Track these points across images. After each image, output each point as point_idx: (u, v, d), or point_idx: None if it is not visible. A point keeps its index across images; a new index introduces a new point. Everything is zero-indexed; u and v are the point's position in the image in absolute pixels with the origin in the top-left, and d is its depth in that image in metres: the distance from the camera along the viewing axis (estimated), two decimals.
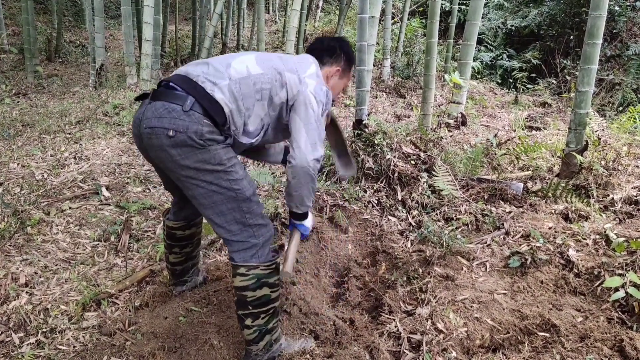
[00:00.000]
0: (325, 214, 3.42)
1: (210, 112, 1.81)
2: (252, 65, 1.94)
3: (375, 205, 3.60)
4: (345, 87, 2.39)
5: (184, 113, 1.78)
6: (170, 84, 1.87)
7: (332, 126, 2.60)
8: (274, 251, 2.10)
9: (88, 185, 4.15)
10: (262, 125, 2.00)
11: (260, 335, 2.06)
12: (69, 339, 2.34)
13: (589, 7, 3.87)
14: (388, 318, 2.37)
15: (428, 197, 3.62)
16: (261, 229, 2.00)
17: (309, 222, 2.24)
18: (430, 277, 2.62)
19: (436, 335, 2.16)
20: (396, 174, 3.73)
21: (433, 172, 3.76)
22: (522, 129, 6.39)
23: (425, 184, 3.69)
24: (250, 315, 2.03)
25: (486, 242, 3.00)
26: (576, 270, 2.54)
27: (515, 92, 9.14)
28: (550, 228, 3.06)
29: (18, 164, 4.60)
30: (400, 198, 3.66)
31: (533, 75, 9.90)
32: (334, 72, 2.25)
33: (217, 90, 1.84)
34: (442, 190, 3.58)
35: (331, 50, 2.24)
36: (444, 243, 2.90)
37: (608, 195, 3.62)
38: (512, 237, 3.01)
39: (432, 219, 3.41)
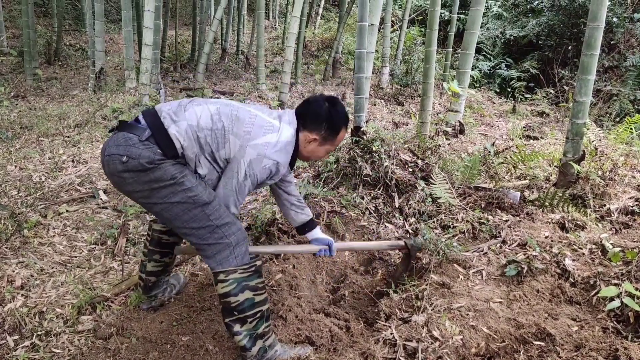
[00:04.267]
0: (323, 220, 3.42)
1: (161, 144, 1.92)
2: (204, 116, 1.99)
3: (372, 212, 3.61)
4: (329, 152, 2.33)
5: (140, 142, 1.91)
6: (139, 117, 2.01)
7: (406, 259, 2.80)
8: (254, 255, 2.12)
9: (85, 188, 4.14)
10: (213, 175, 2.08)
11: (251, 340, 2.06)
12: (64, 343, 2.33)
13: (587, 18, 3.90)
14: (384, 325, 2.36)
15: (425, 204, 3.63)
16: (231, 227, 2.04)
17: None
18: (427, 284, 2.62)
19: (432, 343, 2.15)
20: (394, 181, 3.74)
21: (430, 180, 3.77)
22: (520, 138, 6.42)
23: (422, 191, 3.70)
24: (237, 321, 2.04)
25: (483, 251, 3.00)
26: (572, 280, 2.55)
27: (513, 101, 9.19)
28: (546, 237, 3.07)
29: (16, 167, 4.60)
30: (397, 205, 3.66)
31: (531, 84, 9.95)
32: (311, 140, 2.17)
33: (174, 127, 1.95)
34: (439, 198, 3.59)
35: (314, 116, 2.15)
36: (441, 251, 2.90)
37: (604, 205, 3.63)
38: (508, 246, 3.02)
39: (429, 226, 3.41)
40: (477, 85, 10.68)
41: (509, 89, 10.11)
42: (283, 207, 2.53)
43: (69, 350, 2.29)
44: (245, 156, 2.00)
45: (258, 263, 2.10)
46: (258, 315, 2.06)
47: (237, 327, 2.04)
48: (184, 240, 2.53)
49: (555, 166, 4.54)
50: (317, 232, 2.55)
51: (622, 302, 2.22)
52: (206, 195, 1.99)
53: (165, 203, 1.96)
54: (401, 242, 2.76)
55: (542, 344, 2.11)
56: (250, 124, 2.03)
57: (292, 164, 2.25)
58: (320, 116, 2.14)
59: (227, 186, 2.04)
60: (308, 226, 2.54)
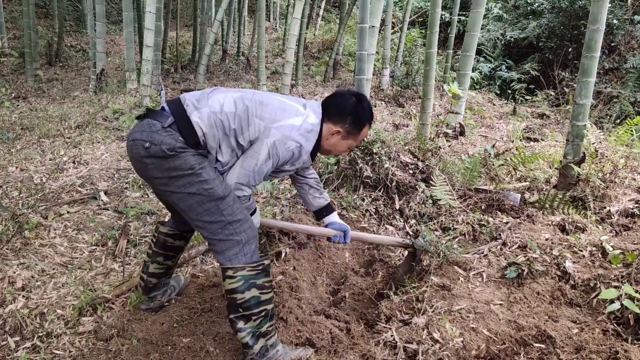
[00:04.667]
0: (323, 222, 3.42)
1: (183, 132, 1.96)
2: (227, 102, 2.02)
3: (372, 213, 3.61)
4: (351, 147, 2.34)
5: (163, 129, 1.95)
6: (165, 105, 2.05)
7: (410, 259, 2.79)
8: (263, 253, 2.13)
9: (86, 189, 4.15)
10: (233, 161, 2.09)
11: (254, 338, 2.06)
12: (64, 344, 2.33)
13: (587, 20, 3.91)
14: (384, 327, 2.37)
15: (426, 206, 3.63)
16: (242, 224, 2.05)
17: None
18: (427, 286, 2.63)
19: (432, 345, 2.16)
20: (394, 183, 3.75)
21: (431, 182, 3.77)
22: (520, 140, 6.42)
23: (423, 193, 3.70)
24: (242, 317, 2.05)
25: (483, 253, 3.00)
26: (572, 282, 2.55)
27: (513, 103, 9.18)
28: (547, 239, 3.07)
29: (17, 168, 4.61)
30: (397, 207, 3.67)
31: (531, 86, 9.95)
32: (334, 132, 2.18)
33: (196, 114, 1.98)
34: (439, 199, 3.59)
35: (339, 109, 2.16)
36: (441, 253, 2.90)
37: (605, 207, 3.63)
38: (509, 248, 3.02)
39: (429, 228, 3.42)
40: (478, 87, 10.68)
41: (510, 91, 10.10)
42: (301, 190, 2.55)
43: (69, 351, 2.29)
44: (270, 137, 2.01)
45: (266, 262, 2.11)
46: (263, 313, 2.07)
47: (240, 324, 2.05)
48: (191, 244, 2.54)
49: (555, 168, 4.54)
50: (334, 217, 2.56)
51: (622, 305, 2.22)
52: (222, 189, 2.00)
53: (182, 193, 1.98)
54: (408, 241, 2.76)
55: (543, 346, 2.12)
56: (275, 107, 2.06)
57: (313, 156, 2.24)
58: (345, 110, 2.16)
59: (244, 165, 2.04)
60: (326, 210, 2.55)
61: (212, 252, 2.16)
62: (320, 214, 2.57)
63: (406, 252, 2.88)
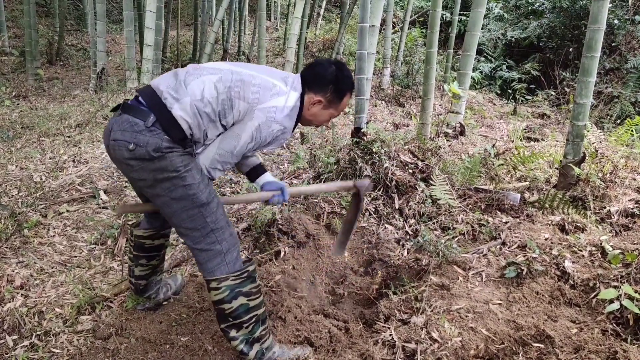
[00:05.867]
0: (322, 221, 3.42)
1: (167, 129, 1.88)
2: (207, 87, 1.92)
3: (372, 213, 3.61)
4: (332, 117, 2.26)
5: (146, 129, 1.86)
6: (139, 98, 1.94)
7: (355, 201, 2.59)
8: (246, 260, 2.10)
9: (86, 188, 4.15)
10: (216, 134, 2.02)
11: (248, 344, 2.06)
12: (63, 343, 2.33)
13: (588, 20, 3.90)
14: (383, 326, 2.37)
15: (425, 206, 3.62)
16: (224, 232, 2.01)
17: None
18: (426, 286, 2.63)
19: (431, 345, 2.16)
20: (394, 183, 3.74)
21: (431, 181, 3.76)
22: (520, 140, 6.41)
23: (422, 192, 3.70)
24: (233, 326, 2.04)
25: (482, 252, 3.00)
26: (572, 282, 2.54)
27: (514, 103, 9.18)
28: (546, 239, 3.07)
29: (16, 166, 4.60)
30: (397, 206, 3.66)
31: (532, 86, 9.94)
32: (315, 102, 2.12)
33: (177, 106, 1.89)
34: (439, 199, 3.58)
35: (319, 78, 2.10)
36: (440, 252, 2.90)
37: (605, 207, 3.62)
38: (508, 248, 3.02)
39: (428, 227, 3.41)
40: (478, 86, 10.68)
41: (510, 91, 10.10)
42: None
43: (68, 350, 2.29)
44: (254, 119, 1.94)
45: (250, 268, 2.08)
46: (253, 320, 2.06)
47: (233, 333, 2.04)
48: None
49: (555, 168, 4.54)
50: (268, 176, 2.37)
51: (621, 305, 2.22)
52: (205, 195, 1.95)
53: (167, 197, 1.93)
54: (350, 183, 2.57)
55: (542, 346, 2.11)
56: (257, 86, 1.97)
57: (293, 127, 2.17)
58: (325, 78, 2.09)
59: (223, 146, 1.98)
60: (257, 170, 2.36)
61: (196, 264, 2.12)
62: (253, 174, 2.36)
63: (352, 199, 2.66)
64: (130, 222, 3.54)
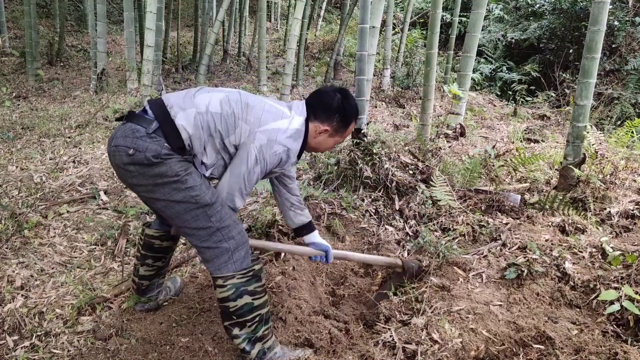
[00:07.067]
0: (323, 222, 3.42)
1: (168, 136, 1.90)
2: (213, 103, 1.97)
3: (372, 214, 3.61)
4: (338, 143, 2.31)
5: (147, 135, 1.89)
6: (146, 107, 1.99)
7: (398, 279, 2.76)
8: (255, 257, 2.11)
9: (86, 189, 4.15)
10: (219, 163, 2.05)
11: (250, 343, 2.06)
12: (63, 343, 2.33)
13: (588, 22, 3.90)
14: (383, 327, 2.37)
15: (425, 207, 3.63)
16: (231, 230, 2.02)
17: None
18: (426, 287, 2.63)
19: (431, 346, 2.15)
20: (394, 184, 3.74)
21: (431, 182, 3.77)
22: (521, 141, 6.41)
23: (423, 194, 3.70)
24: (236, 324, 2.04)
25: (483, 253, 3.00)
26: (572, 283, 2.54)
27: (514, 104, 9.18)
28: (547, 240, 3.07)
29: (17, 167, 4.61)
30: (397, 207, 3.67)
31: (532, 87, 9.94)
32: (322, 131, 2.15)
33: (181, 115, 1.92)
34: (439, 200, 3.59)
35: (326, 107, 2.13)
36: (441, 253, 2.90)
37: (605, 209, 3.62)
38: (508, 249, 3.01)
39: (429, 229, 3.41)
40: (478, 88, 10.68)
41: (510, 92, 10.10)
42: (282, 206, 2.50)
43: (68, 350, 2.29)
44: (255, 141, 1.97)
45: (257, 267, 2.08)
46: (257, 319, 2.06)
47: (236, 331, 2.04)
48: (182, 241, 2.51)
49: (555, 169, 4.54)
50: (315, 236, 2.52)
51: (621, 306, 2.22)
52: (209, 196, 1.96)
53: (168, 200, 1.94)
54: (399, 261, 2.73)
55: (542, 347, 2.11)
56: (260, 110, 2.02)
57: (299, 155, 2.21)
58: (332, 108, 2.13)
59: (234, 173, 2.00)
60: (306, 228, 2.50)
61: (201, 261, 2.13)
62: (300, 231, 2.51)
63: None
64: (130, 223, 3.55)
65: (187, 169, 1.93)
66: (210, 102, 1.97)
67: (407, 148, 4.37)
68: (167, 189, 1.92)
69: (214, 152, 2.01)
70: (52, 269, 2.99)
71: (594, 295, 2.42)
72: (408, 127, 6.89)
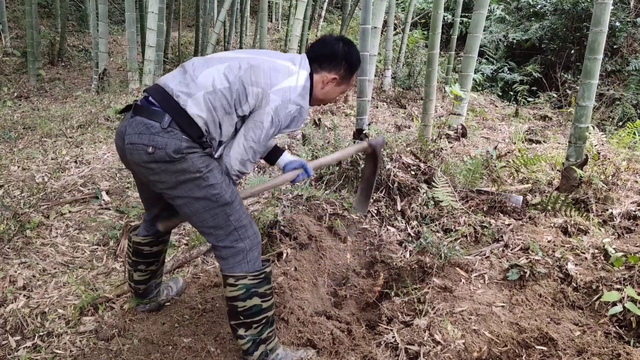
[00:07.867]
0: (325, 223, 3.42)
1: (185, 128, 1.85)
2: (218, 78, 1.90)
3: (374, 215, 3.60)
4: (343, 93, 2.28)
5: (163, 130, 1.83)
6: (150, 98, 1.91)
7: (371, 160, 2.60)
8: (265, 259, 2.10)
9: (88, 189, 4.15)
10: (233, 134, 2.00)
11: (254, 345, 2.06)
12: (65, 343, 2.33)
13: (590, 22, 3.90)
14: (386, 328, 2.36)
15: (427, 207, 3.62)
16: (247, 230, 2.01)
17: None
18: (429, 288, 2.62)
19: (434, 347, 2.15)
20: (396, 184, 3.74)
21: (433, 183, 3.76)
22: (522, 142, 6.41)
23: (424, 194, 3.70)
24: (242, 325, 2.03)
25: (485, 254, 3.00)
26: (574, 284, 2.54)
27: (515, 105, 9.18)
28: (549, 241, 3.06)
29: (19, 167, 4.61)
30: (399, 208, 3.66)
31: (534, 88, 9.94)
32: (330, 80, 2.14)
33: (191, 103, 1.86)
34: (441, 201, 3.58)
35: (332, 56, 2.11)
36: (443, 254, 2.90)
37: (607, 210, 3.62)
38: (511, 250, 3.01)
39: (431, 229, 3.41)
40: (480, 88, 10.68)
41: (512, 93, 10.10)
42: None
43: (70, 351, 2.29)
44: (270, 103, 1.93)
45: (268, 270, 2.07)
46: (264, 321, 2.05)
47: (241, 331, 2.04)
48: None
49: (557, 170, 4.54)
50: (287, 156, 2.37)
51: (624, 307, 2.22)
52: (229, 194, 1.94)
53: (189, 197, 1.91)
54: (365, 144, 2.58)
55: (544, 348, 2.11)
56: (267, 69, 1.96)
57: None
58: (338, 55, 2.11)
59: (249, 138, 1.95)
60: (275, 152, 2.37)
61: (216, 257, 2.11)
62: (272, 156, 2.37)
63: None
64: (132, 223, 3.55)
65: (208, 165, 1.90)
66: (215, 79, 1.90)
67: (408, 149, 4.37)
68: (190, 185, 1.88)
69: (230, 127, 1.96)
70: (54, 269, 3.00)
71: (596, 297, 2.41)
72: (409, 128, 6.89)
